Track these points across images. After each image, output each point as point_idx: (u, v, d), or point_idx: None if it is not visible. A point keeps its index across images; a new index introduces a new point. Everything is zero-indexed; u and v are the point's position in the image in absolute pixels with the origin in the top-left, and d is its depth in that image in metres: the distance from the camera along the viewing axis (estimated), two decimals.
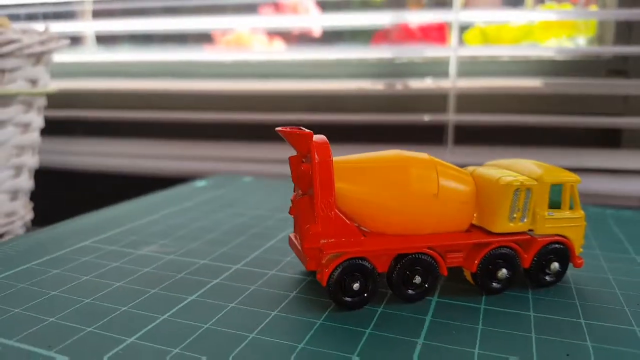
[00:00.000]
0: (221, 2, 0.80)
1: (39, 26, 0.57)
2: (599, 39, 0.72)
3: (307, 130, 0.29)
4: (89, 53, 0.89)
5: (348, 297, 0.29)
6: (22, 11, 0.89)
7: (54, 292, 0.30)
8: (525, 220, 0.31)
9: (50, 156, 0.78)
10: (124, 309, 0.28)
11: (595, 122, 0.66)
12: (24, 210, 0.59)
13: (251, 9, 0.83)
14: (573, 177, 0.32)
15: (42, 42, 0.55)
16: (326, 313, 0.28)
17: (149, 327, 0.26)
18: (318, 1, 0.83)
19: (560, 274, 0.32)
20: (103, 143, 0.83)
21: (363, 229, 0.31)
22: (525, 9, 0.76)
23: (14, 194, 0.57)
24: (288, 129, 0.29)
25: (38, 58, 0.56)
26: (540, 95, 0.70)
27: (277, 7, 0.84)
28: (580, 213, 0.32)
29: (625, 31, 0.68)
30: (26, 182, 0.58)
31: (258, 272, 0.34)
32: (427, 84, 0.72)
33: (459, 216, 0.31)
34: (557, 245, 0.32)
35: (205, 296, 0.30)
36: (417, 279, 0.30)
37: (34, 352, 0.24)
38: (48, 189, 0.67)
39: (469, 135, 0.72)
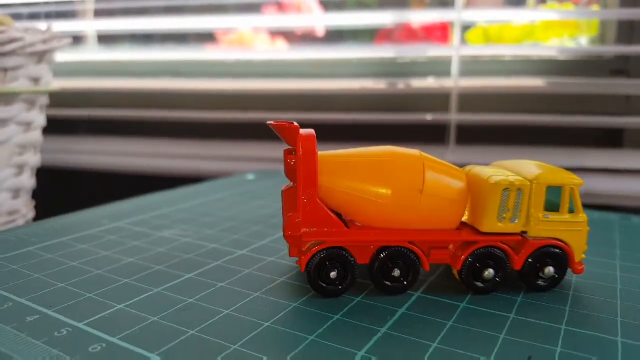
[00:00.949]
0: (223, 1, 0.80)
1: (41, 25, 0.57)
2: (601, 38, 0.72)
3: (295, 124, 0.29)
4: (90, 52, 0.89)
5: (325, 284, 0.30)
6: (24, 10, 0.89)
7: (72, 263, 0.34)
8: (515, 221, 0.30)
9: (51, 155, 0.78)
10: (125, 280, 0.32)
11: (598, 121, 0.66)
12: (26, 209, 0.59)
13: (254, 8, 0.83)
14: (573, 179, 0.30)
15: (44, 41, 0.55)
16: (304, 298, 0.30)
17: (141, 296, 0.29)
18: (321, 0, 0.83)
19: (556, 280, 0.31)
20: (104, 142, 0.83)
21: (356, 223, 0.31)
22: (527, 9, 0.76)
23: (15, 192, 0.57)
24: (278, 123, 0.30)
25: (40, 56, 0.56)
26: (542, 94, 0.70)
27: (280, 7, 0.84)
28: (581, 217, 0.31)
29: (627, 31, 0.68)
30: (28, 181, 0.58)
31: (258, 257, 0.36)
32: (429, 83, 0.72)
33: (446, 213, 0.30)
34: (552, 249, 0.31)
35: (201, 275, 0.33)
36: (396, 272, 0.30)
37: (36, 309, 0.27)
38: (49, 188, 0.67)
39: (471, 135, 0.72)
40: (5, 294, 0.29)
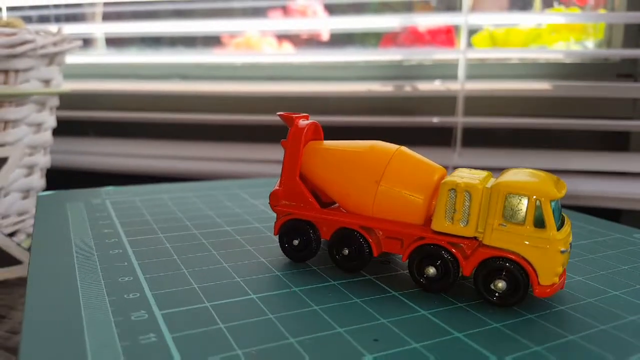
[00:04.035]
0: (230, 5, 0.80)
1: (52, 27, 0.58)
2: (608, 42, 0.72)
3: (300, 114, 0.35)
4: (99, 55, 0.90)
5: (291, 248, 0.35)
6: (34, 13, 0.90)
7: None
8: (465, 224, 0.29)
9: (61, 155, 0.79)
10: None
11: (604, 125, 0.66)
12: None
13: (260, 12, 0.84)
14: (540, 191, 0.28)
15: (55, 43, 0.56)
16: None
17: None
18: (326, 4, 0.83)
19: (508, 297, 0.29)
20: (112, 143, 0.83)
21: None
22: (533, 12, 0.76)
23: (25, 193, 0.58)
24: (284, 114, 0.35)
25: (51, 59, 0.57)
26: (548, 98, 0.70)
27: (286, 11, 0.85)
28: (548, 234, 0.27)
29: (635, 34, 0.68)
30: (38, 181, 0.59)
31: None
32: (436, 86, 0.72)
33: (407, 207, 0.31)
34: (505, 263, 0.28)
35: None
36: (345, 251, 0.33)
37: None
38: (58, 189, 0.68)
39: (478, 138, 0.72)
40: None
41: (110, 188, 0.53)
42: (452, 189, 0.29)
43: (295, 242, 0.34)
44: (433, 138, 0.73)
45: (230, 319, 0.27)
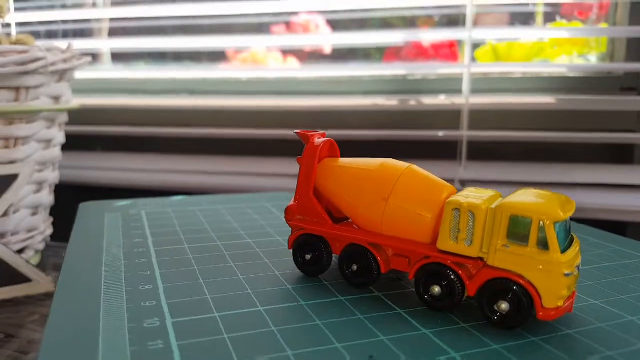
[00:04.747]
0: (234, 21, 0.81)
1: (61, 43, 0.59)
2: (610, 55, 0.72)
3: (317, 132, 0.37)
4: (105, 70, 0.91)
5: (304, 262, 0.36)
6: (42, 28, 0.91)
7: None
8: (469, 243, 0.29)
9: (69, 171, 0.79)
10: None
11: (608, 137, 0.67)
12: (44, 225, 0.60)
13: (263, 27, 0.85)
14: (545, 213, 0.27)
15: (65, 60, 0.56)
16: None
17: None
18: (328, 20, 0.84)
19: (513, 318, 0.28)
20: (120, 158, 0.84)
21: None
22: (535, 27, 0.77)
23: (34, 209, 0.58)
24: (301, 131, 0.37)
25: (61, 75, 0.57)
26: (552, 111, 0.71)
27: (289, 26, 0.86)
28: (552, 257, 0.27)
29: (637, 48, 0.69)
30: (46, 197, 0.59)
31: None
32: (440, 100, 0.72)
33: (415, 224, 0.31)
34: (508, 284, 0.28)
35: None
36: (354, 267, 0.34)
37: None
38: (67, 204, 0.68)
39: (482, 151, 0.72)
40: None
41: (157, 199, 0.58)
42: (456, 208, 0.29)
43: (307, 256, 0.35)
44: (438, 152, 0.74)
45: (234, 330, 0.28)
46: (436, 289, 0.30)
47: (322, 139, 0.36)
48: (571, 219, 0.31)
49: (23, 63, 0.51)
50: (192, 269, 0.36)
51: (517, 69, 0.74)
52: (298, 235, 0.36)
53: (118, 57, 0.92)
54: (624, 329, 0.29)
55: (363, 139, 0.75)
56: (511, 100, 0.70)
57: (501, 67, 0.74)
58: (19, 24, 0.88)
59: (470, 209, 0.29)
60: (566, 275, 0.27)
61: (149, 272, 0.35)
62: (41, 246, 0.59)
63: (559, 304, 0.28)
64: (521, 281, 0.28)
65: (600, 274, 0.38)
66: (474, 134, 0.70)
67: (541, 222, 0.27)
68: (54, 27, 0.90)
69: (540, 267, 0.27)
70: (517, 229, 0.28)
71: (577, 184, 0.68)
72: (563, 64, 0.75)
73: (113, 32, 0.91)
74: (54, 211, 0.64)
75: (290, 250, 0.38)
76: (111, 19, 0.90)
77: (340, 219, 0.36)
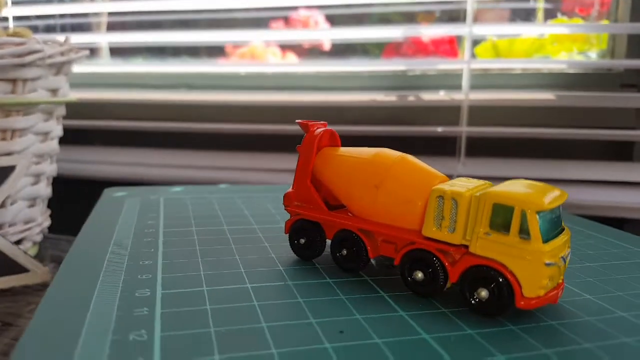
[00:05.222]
0: (233, 16, 0.81)
1: (59, 37, 0.59)
2: (611, 52, 0.72)
3: (317, 122, 0.38)
4: (104, 64, 0.91)
5: (299, 246, 0.37)
6: (41, 23, 0.90)
7: None
8: (453, 231, 0.29)
9: (67, 164, 0.79)
10: None
11: (608, 135, 0.66)
12: (42, 218, 0.60)
13: (262, 23, 0.85)
14: (528, 202, 0.27)
15: (62, 53, 0.56)
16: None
17: None
18: (327, 15, 0.84)
19: (493, 306, 0.28)
20: (118, 152, 0.84)
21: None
22: (536, 23, 0.77)
23: (32, 201, 0.58)
24: (302, 121, 0.38)
25: (59, 68, 0.57)
26: (552, 108, 0.70)
27: (288, 22, 0.86)
28: (532, 246, 0.27)
29: (638, 44, 0.68)
30: (44, 190, 0.59)
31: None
32: (440, 96, 0.72)
33: (404, 213, 0.32)
34: (488, 271, 0.28)
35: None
36: (344, 252, 0.35)
37: None
38: (64, 197, 0.68)
39: (482, 148, 0.72)
40: None
41: (178, 188, 0.60)
42: (440, 196, 0.30)
43: (302, 240, 0.37)
44: (437, 148, 0.73)
45: (217, 302, 0.29)
46: (419, 274, 0.31)
47: (321, 129, 0.37)
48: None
49: (20, 55, 0.51)
50: (195, 260, 0.37)
51: (517, 65, 0.73)
52: (295, 220, 0.37)
53: (117, 51, 0.92)
54: (610, 324, 0.29)
55: (362, 135, 0.75)
56: (511, 97, 0.70)
57: (501, 63, 0.74)
58: (17, 18, 0.88)
59: (454, 197, 0.29)
60: (547, 265, 0.27)
61: (151, 262, 0.36)
62: (39, 238, 0.59)
63: (540, 293, 0.27)
64: (502, 269, 0.28)
65: (604, 271, 0.37)
66: (474, 130, 0.70)
67: (523, 211, 0.27)
68: (52, 21, 0.90)
69: (521, 255, 0.27)
70: (500, 217, 0.28)
71: (576, 180, 0.67)
72: (563, 60, 0.75)
73: (112, 27, 0.91)
74: (52, 204, 0.64)
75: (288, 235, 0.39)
76: (110, 14, 0.90)
77: (337, 206, 0.37)
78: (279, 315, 0.28)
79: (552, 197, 0.29)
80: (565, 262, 0.29)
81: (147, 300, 0.29)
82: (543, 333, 0.27)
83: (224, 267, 0.35)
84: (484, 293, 0.28)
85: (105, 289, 0.31)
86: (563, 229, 0.30)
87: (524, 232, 0.27)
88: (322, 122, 0.38)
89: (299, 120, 0.38)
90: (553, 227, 0.29)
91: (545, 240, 0.27)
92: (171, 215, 0.48)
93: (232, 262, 0.36)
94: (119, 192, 0.57)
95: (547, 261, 0.27)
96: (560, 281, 0.30)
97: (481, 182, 0.32)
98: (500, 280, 0.28)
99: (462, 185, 0.30)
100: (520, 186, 0.29)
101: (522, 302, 0.27)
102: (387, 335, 0.26)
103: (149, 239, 0.40)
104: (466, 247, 0.29)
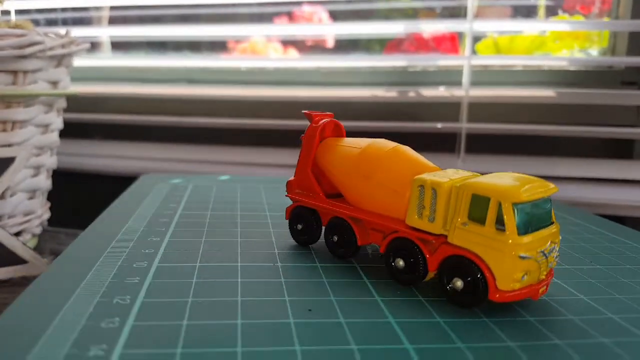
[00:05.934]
0: (236, 11, 0.81)
1: (60, 30, 0.59)
2: (612, 49, 0.72)
3: (322, 113, 0.39)
4: (106, 58, 0.91)
5: (297, 231, 0.39)
6: (42, 16, 0.90)
7: None
8: (432, 220, 0.29)
9: (68, 157, 0.79)
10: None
11: (608, 132, 0.66)
12: (41, 210, 0.60)
13: (265, 18, 0.85)
14: (505, 194, 0.27)
15: (63, 45, 0.56)
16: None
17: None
18: (331, 11, 0.84)
19: (468, 297, 0.28)
20: (118, 146, 0.84)
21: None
22: (537, 20, 0.77)
23: (32, 193, 0.58)
24: (308, 112, 0.39)
25: (59, 60, 0.57)
26: (552, 105, 0.70)
27: (291, 17, 0.86)
28: (505, 237, 0.26)
29: (639, 42, 0.68)
30: (44, 182, 0.59)
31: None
32: (440, 92, 0.72)
33: (393, 202, 0.32)
34: (464, 261, 0.28)
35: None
36: (335, 238, 0.36)
37: None
38: (65, 190, 0.68)
39: (481, 144, 0.72)
40: None
41: (223, 177, 0.63)
42: (421, 185, 0.30)
43: (299, 226, 0.38)
44: (437, 144, 0.73)
45: (204, 277, 0.31)
46: (400, 262, 0.31)
47: (325, 120, 0.38)
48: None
49: (21, 47, 0.51)
50: (196, 250, 0.37)
51: (517, 62, 0.73)
52: (294, 207, 0.39)
53: (118, 46, 0.92)
54: (593, 324, 0.28)
55: (362, 130, 0.75)
56: (511, 94, 0.70)
57: (502, 59, 0.74)
58: (18, 12, 0.88)
59: (433, 186, 0.29)
60: (522, 257, 0.27)
61: (153, 250, 0.37)
62: (38, 230, 0.59)
63: (515, 287, 0.27)
64: (477, 260, 0.27)
65: (612, 274, 0.36)
66: (474, 126, 0.70)
67: (499, 202, 0.27)
68: (53, 15, 0.90)
69: (495, 247, 0.27)
70: (477, 208, 0.28)
71: (576, 178, 0.67)
72: (564, 57, 0.75)
73: (113, 21, 0.91)
74: (52, 197, 0.64)
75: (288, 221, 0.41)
76: (111, 8, 0.90)
77: (336, 194, 0.38)
78: (257, 292, 0.29)
79: (532, 189, 0.28)
80: (547, 257, 0.28)
81: (122, 309, 0.27)
82: (515, 327, 0.27)
83: (222, 247, 0.37)
84: (459, 283, 0.28)
85: (83, 295, 0.28)
86: (551, 223, 0.29)
87: (500, 223, 0.27)
88: (328, 113, 0.39)
89: (305, 111, 0.39)
90: (536, 220, 0.28)
91: (524, 232, 0.27)
92: (192, 201, 0.51)
93: (232, 243, 0.38)
94: (149, 180, 0.60)
95: (522, 254, 0.26)
96: (544, 277, 0.29)
97: (470, 173, 0.31)
98: (475, 271, 0.28)
99: (445, 176, 0.30)
100: (505, 178, 0.29)
101: (497, 295, 0.27)
102: (355, 318, 0.26)
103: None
104: (446, 236, 0.29)
